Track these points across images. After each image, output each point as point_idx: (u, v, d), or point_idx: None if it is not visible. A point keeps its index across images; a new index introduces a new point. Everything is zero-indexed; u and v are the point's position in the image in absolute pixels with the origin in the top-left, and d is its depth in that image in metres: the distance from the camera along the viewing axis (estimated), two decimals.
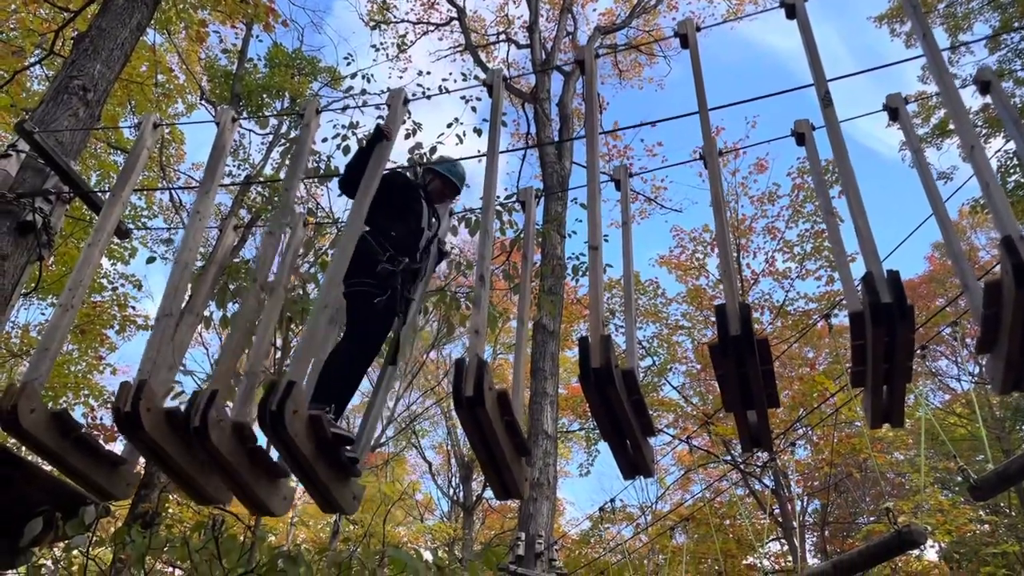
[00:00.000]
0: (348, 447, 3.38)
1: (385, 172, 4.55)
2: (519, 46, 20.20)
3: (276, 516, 3.53)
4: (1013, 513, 19.35)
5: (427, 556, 5.04)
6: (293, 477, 3.41)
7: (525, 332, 4.26)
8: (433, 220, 4.90)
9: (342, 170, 4.61)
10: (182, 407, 3.09)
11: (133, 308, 15.86)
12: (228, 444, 3.01)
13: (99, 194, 6.24)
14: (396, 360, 4.45)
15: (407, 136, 10.05)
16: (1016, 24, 14.37)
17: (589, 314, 3.15)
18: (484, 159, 4.02)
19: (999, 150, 14.17)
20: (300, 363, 3.16)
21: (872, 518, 19.32)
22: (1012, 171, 14.16)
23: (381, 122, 4.19)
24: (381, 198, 4.59)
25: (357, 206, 3.68)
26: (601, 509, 14.37)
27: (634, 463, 3.38)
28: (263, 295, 3.70)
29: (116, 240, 13.58)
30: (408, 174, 5.18)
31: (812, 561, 17.80)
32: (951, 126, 15.38)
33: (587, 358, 2.90)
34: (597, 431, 21.09)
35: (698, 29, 3.94)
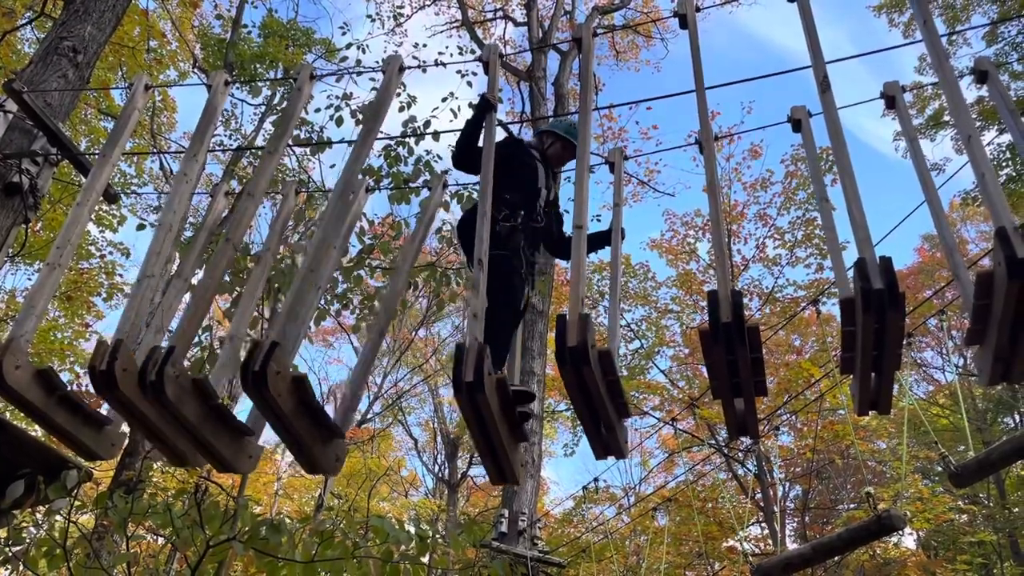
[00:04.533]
0: (530, 405, 3.50)
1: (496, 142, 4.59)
2: (516, 23, 20.04)
3: (241, 473, 3.56)
4: (991, 503, 19.58)
5: (410, 529, 5.06)
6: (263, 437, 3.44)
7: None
8: (551, 182, 4.80)
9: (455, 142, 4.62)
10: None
11: (121, 276, 15.77)
12: (188, 400, 3.02)
13: (88, 157, 6.17)
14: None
15: (401, 109, 9.97)
16: (1014, 15, 14.35)
17: (569, 292, 3.12)
18: (484, 136, 3.98)
19: (990, 142, 14.21)
20: (279, 324, 3.16)
21: (853, 505, 19.53)
22: (1005, 163, 14.20)
23: (476, 95, 4.21)
24: (496, 169, 4.57)
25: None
26: (584, 489, 14.44)
27: (606, 444, 3.36)
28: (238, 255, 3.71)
29: (105, 207, 13.48)
30: (526, 139, 5.10)
31: (792, 546, 17.99)
32: (946, 117, 15.40)
33: (563, 336, 2.87)
34: None
35: (698, 10, 3.90)
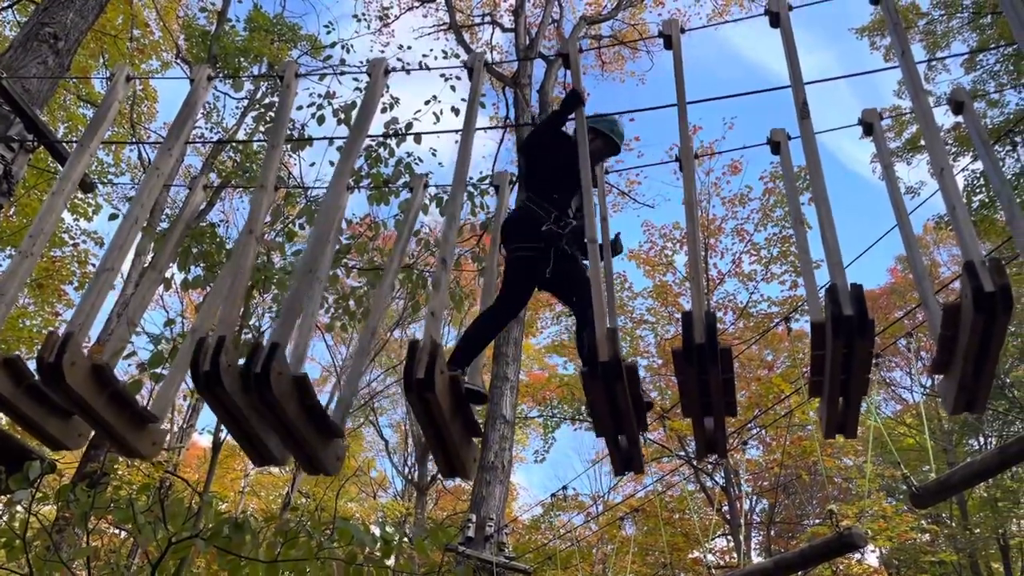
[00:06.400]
0: (479, 405, 3.49)
1: (545, 135, 4.52)
2: (504, 29, 20.06)
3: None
4: (953, 524, 19.84)
5: (375, 531, 5.05)
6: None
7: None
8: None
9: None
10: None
11: (93, 266, 15.56)
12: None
13: (65, 145, 6.11)
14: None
15: (383, 110, 9.93)
16: (993, 45, 14.59)
17: (594, 307, 3.08)
18: (460, 140, 3.99)
19: (964, 168, 14.43)
20: (284, 325, 3.15)
21: (817, 520, 19.70)
22: (979, 190, 14.42)
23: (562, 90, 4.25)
24: (543, 162, 4.53)
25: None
26: (553, 496, 14.47)
27: (628, 459, 3.38)
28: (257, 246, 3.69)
29: (80, 195, 13.32)
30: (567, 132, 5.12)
31: (756, 559, 18.12)
32: (923, 142, 15.60)
33: (594, 352, 2.86)
34: (555, 419, 21.22)
35: (683, 31, 3.93)
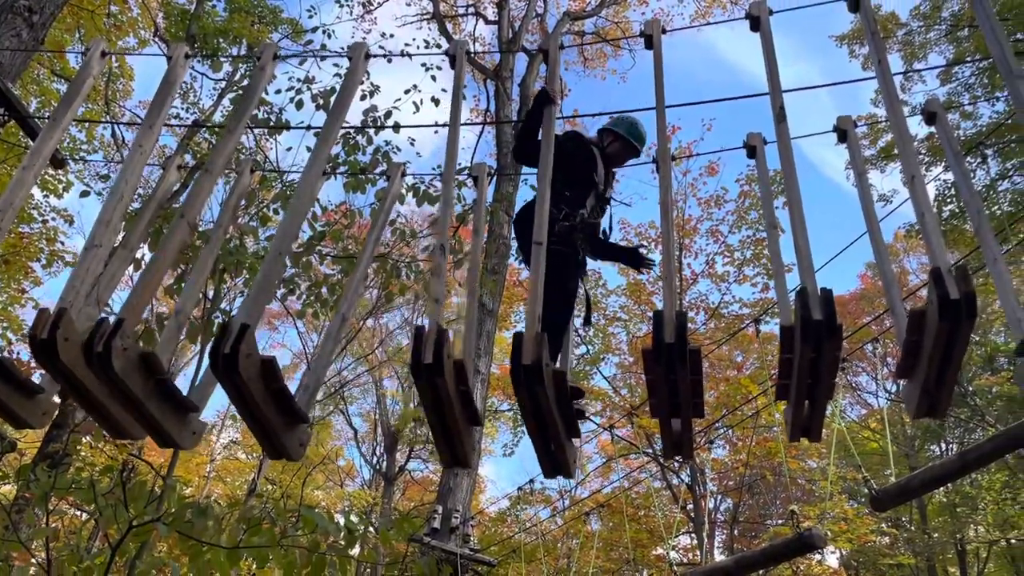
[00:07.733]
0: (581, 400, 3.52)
1: (557, 135, 4.44)
2: (487, 21, 20.02)
3: (184, 450, 3.52)
4: (913, 528, 20.18)
5: (340, 520, 5.04)
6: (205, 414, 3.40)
7: (475, 304, 4.23)
8: (609, 180, 4.87)
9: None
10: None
11: (62, 243, 15.32)
12: (134, 374, 2.94)
13: (37, 120, 6.01)
14: (590, 319, 4.52)
15: (363, 97, 9.86)
16: (968, 58, 14.80)
17: (526, 310, 3.09)
18: (445, 129, 3.99)
19: (936, 177, 14.63)
20: (254, 306, 3.12)
21: (780, 520, 19.95)
22: (949, 200, 14.63)
23: (540, 86, 4.25)
24: (556, 163, 4.55)
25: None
26: (520, 489, 14.52)
27: (556, 462, 3.35)
28: (191, 233, 3.65)
29: (51, 171, 13.11)
30: (584, 133, 5.08)
31: (719, 557, 18.30)
32: (896, 151, 15.79)
33: (518, 354, 2.84)
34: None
35: (664, 31, 3.93)
